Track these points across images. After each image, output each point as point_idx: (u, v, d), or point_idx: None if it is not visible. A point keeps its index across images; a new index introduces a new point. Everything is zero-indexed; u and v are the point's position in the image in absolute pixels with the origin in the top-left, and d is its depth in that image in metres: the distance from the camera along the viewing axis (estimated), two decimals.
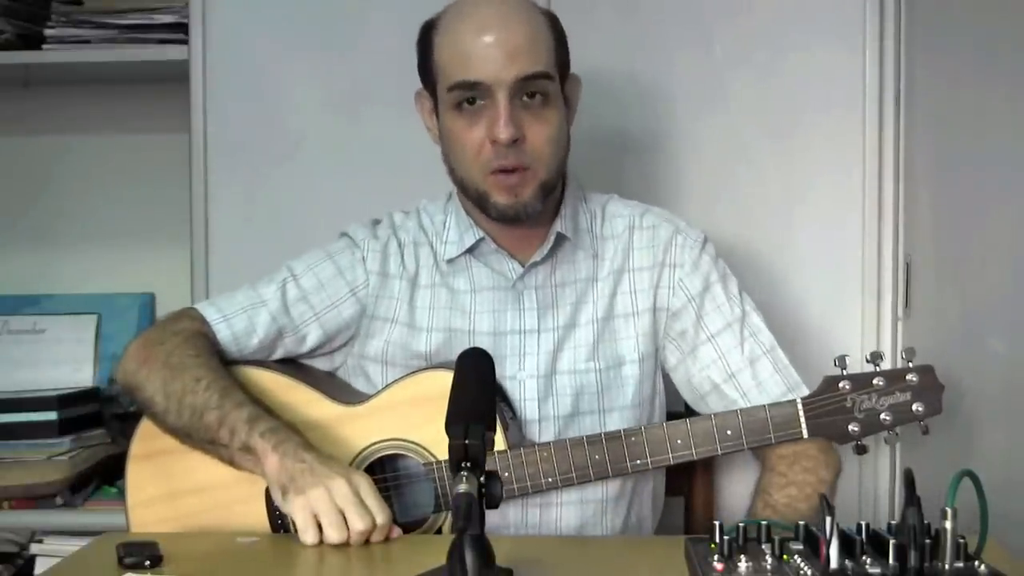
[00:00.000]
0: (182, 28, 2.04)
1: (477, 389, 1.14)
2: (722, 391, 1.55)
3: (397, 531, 1.37)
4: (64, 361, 2.28)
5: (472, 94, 1.45)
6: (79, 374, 2.28)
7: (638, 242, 1.59)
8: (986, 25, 1.94)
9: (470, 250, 1.57)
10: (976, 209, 1.95)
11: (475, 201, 1.51)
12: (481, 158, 1.47)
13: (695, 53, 1.90)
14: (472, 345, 1.51)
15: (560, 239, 1.56)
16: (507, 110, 1.43)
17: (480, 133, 1.46)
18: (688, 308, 1.57)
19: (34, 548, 2.04)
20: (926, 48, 1.86)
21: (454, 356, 1.45)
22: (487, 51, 1.44)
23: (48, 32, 2.13)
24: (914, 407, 1.45)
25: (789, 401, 1.48)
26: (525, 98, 1.45)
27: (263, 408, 1.44)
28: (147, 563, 1.20)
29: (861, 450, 1.47)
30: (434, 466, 1.47)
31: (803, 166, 1.88)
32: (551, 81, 1.48)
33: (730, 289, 1.58)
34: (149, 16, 2.12)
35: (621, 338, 1.57)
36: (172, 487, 1.49)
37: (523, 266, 1.56)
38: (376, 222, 1.64)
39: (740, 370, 1.55)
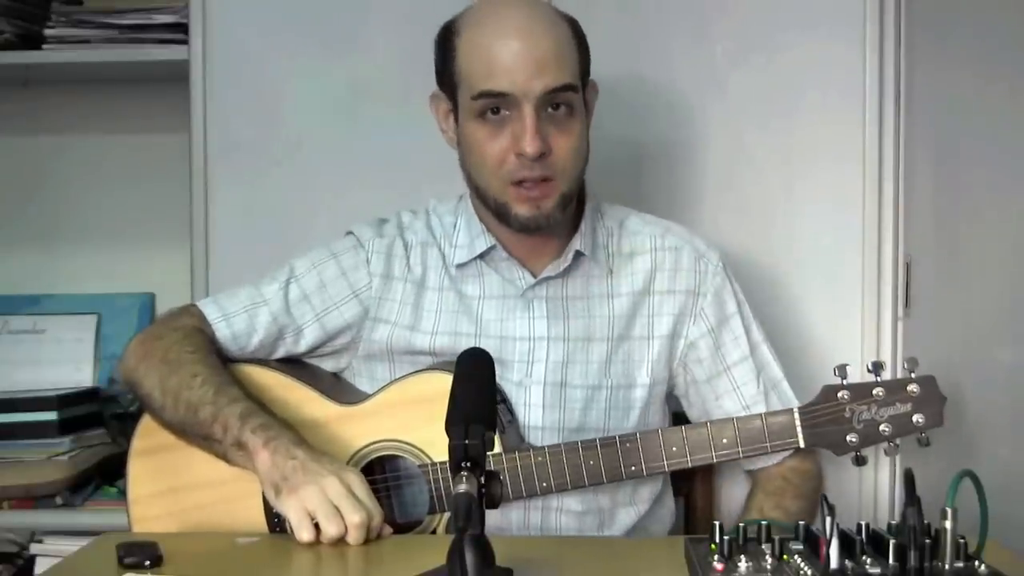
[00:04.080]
0: (182, 28, 2.05)
1: (477, 389, 1.13)
2: None
3: (388, 530, 1.36)
4: (64, 361, 2.28)
5: (497, 104, 1.44)
6: (79, 374, 2.28)
7: (661, 264, 1.58)
8: (986, 24, 1.94)
9: (480, 256, 1.56)
10: (976, 209, 1.95)
11: (494, 211, 1.50)
12: (504, 169, 1.45)
13: (695, 52, 1.90)
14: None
15: (577, 255, 1.55)
16: (534, 123, 1.42)
17: (503, 144, 1.44)
18: (707, 338, 1.57)
19: (34, 548, 2.04)
20: (926, 48, 1.86)
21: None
22: (514, 61, 1.41)
23: (48, 32, 2.14)
24: (914, 418, 1.44)
25: (786, 410, 1.48)
26: (550, 109, 1.44)
27: (258, 404, 1.43)
28: (147, 563, 1.20)
29: (860, 461, 1.46)
30: (429, 468, 1.46)
31: (803, 166, 1.88)
32: (576, 93, 1.46)
33: (746, 319, 1.59)
34: (149, 16, 2.12)
35: (635, 360, 1.57)
36: (173, 483, 1.49)
37: (534, 276, 1.55)
38: (383, 221, 1.62)
39: (756, 403, 1.56)
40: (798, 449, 1.51)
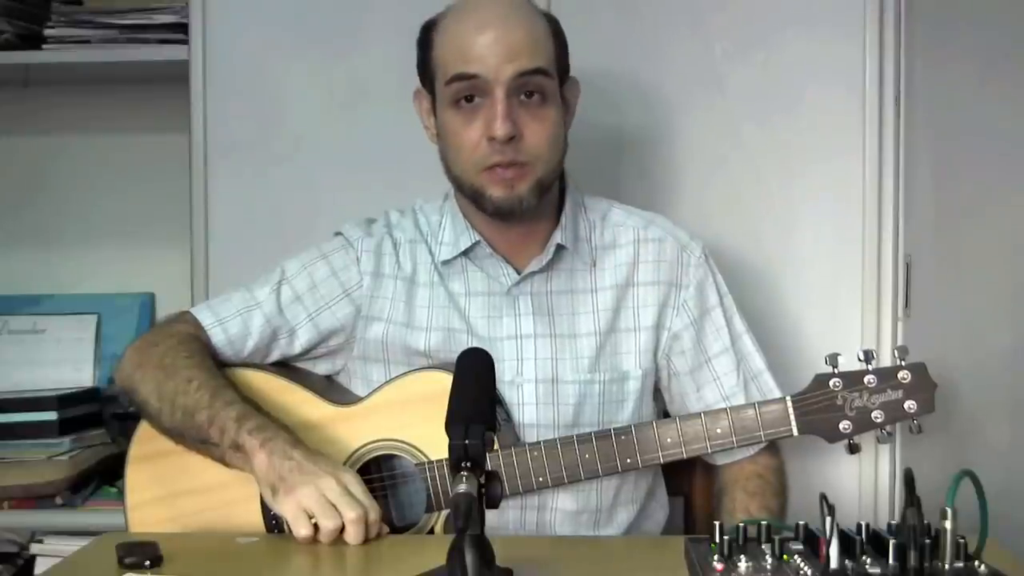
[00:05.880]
0: (182, 28, 2.05)
1: (477, 389, 1.13)
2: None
3: (384, 529, 1.36)
4: (64, 361, 2.29)
5: (470, 89, 1.45)
6: (79, 374, 2.28)
7: (643, 255, 1.58)
8: (986, 24, 1.94)
9: (465, 253, 1.56)
10: (976, 209, 1.95)
11: (470, 198, 1.51)
12: (476, 155, 1.47)
13: (693, 52, 1.90)
14: (470, 346, 1.51)
15: (559, 249, 1.55)
16: (504, 107, 1.44)
17: (477, 131, 1.46)
18: (689, 329, 1.58)
19: (34, 548, 2.04)
20: (926, 47, 1.86)
21: (454, 354, 1.46)
22: (487, 47, 1.44)
23: (48, 32, 2.14)
24: (906, 405, 1.45)
25: (779, 399, 1.49)
26: (523, 97, 1.46)
27: (254, 407, 1.44)
28: (147, 563, 1.20)
29: (853, 449, 1.47)
30: (426, 466, 1.47)
31: (802, 165, 1.88)
32: (549, 79, 1.48)
33: (728, 311, 1.60)
34: (149, 16, 2.13)
35: (623, 352, 1.57)
36: (170, 488, 1.50)
37: (518, 272, 1.55)
38: (371, 221, 1.64)
39: (734, 394, 1.57)
40: (768, 444, 1.55)
